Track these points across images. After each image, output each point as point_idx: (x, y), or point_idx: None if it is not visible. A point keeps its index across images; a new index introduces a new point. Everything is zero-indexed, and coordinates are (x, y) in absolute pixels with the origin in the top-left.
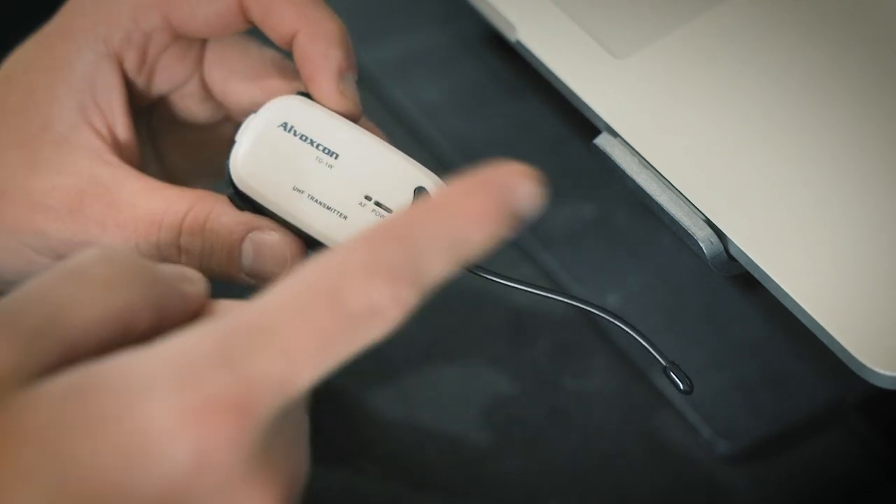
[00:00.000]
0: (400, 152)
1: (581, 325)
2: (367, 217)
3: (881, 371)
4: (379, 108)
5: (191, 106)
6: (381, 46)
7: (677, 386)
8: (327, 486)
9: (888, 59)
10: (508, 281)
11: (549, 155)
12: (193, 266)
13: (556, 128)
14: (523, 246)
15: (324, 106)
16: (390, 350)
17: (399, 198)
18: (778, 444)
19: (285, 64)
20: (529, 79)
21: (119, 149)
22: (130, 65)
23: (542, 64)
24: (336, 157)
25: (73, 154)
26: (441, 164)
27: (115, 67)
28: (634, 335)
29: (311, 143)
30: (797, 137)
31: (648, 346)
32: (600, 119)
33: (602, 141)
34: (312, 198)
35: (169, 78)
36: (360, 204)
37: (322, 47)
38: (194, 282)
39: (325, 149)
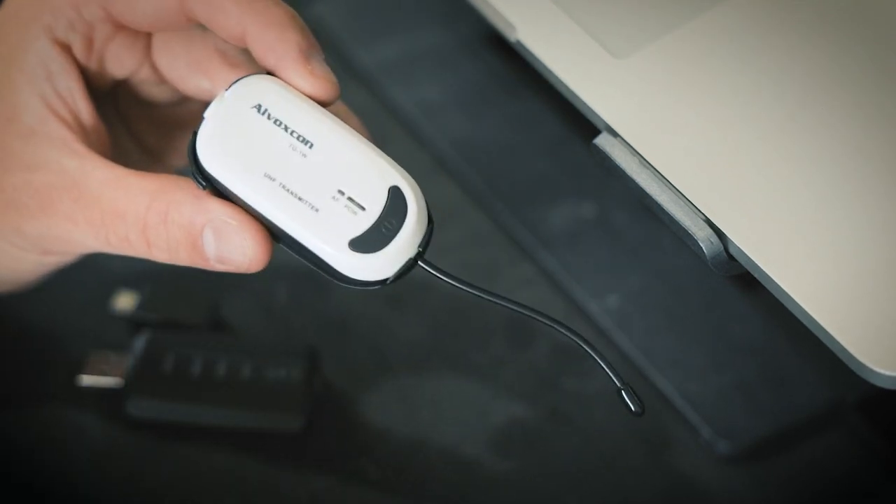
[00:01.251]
0: (375, 148)
1: (581, 326)
2: (339, 212)
3: (881, 371)
4: (379, 108)
5: (149, 89)
6: (381, 46)
7: (629, 408)
8: (327, 486)
9: (888, 59)
10: (474, 290)
11: (549, 155)
12: (163, 257)
13: (556, 128)
14: (523, 245)
15: (299, 91)
16: (390, 350)
17: (373, 195)
18: (778, 444)
19: (229, 50)
20: (529, 79)
21: (86, 134)
22: (79, 51)
23: (541, 64)
24: (311, 147)
25: (42, 146)
26: (441, 164)
27: (65, 55)
28: (592, 354)
29: (286, 128)
30: (797, 137)
31: (604, 366)
32: (600, 119)
33: (602, 141)
34: (284, 187)
35: (120, 66)
36: (333, 198)
37: (276, 34)
38: None
39: (299, 136)
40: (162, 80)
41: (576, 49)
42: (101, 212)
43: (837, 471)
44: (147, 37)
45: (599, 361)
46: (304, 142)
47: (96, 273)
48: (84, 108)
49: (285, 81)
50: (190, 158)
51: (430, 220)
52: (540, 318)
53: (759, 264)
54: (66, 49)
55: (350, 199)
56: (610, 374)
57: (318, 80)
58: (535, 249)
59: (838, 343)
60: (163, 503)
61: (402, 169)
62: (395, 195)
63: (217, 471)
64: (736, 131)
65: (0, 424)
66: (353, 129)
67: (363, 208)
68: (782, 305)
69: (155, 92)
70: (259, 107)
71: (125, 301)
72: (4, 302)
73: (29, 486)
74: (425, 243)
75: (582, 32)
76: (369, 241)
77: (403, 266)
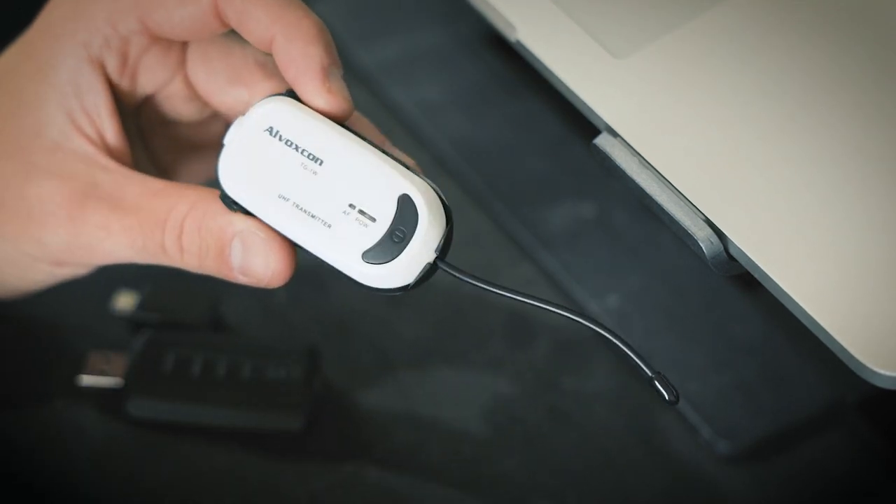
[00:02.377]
0: (386, 157)
1: (581, 326)
2: (350, 226)
3: (881, 371)
4: (379, 108)
5: (177, 105)
6: (381, 46)
7: (662, 396)
8: (327, 486)
9: (888, 59)
10: (499, 290)
11: (549, 155)
12: (193, 264)
13: (556, 128)
14: (523, 245)
15: (314, 107)
16: (390, 350)
17: (383, 206)
18: (778, 444)
19: (269, 62)
20: (529, 79)
21: (110, 152)
22: (112, 68)
23: (542, 64)
24: (321, 164)
25: (68, 159)
26: (441, 164)
27: (97, 72)
28: (620, 345)
29: (297, 148)
30: (797, 137)
31: (634, 356)
32: (600, 119)
33: (602, 141)
34: (297, 206)
35: (152, 79)
36: (344, 212)
37: (301, 48)
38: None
39: (309, 154)
40: (193, 95)
41: (576, 49)
42: (140, 220)
43: (837, 471)
44: (180, 49)
45: (628, 352)
46: (315, 160)
47: (96, 273)
48: (109, 127)
49: (301, 96)
50: (217, 182)
51: (449, 222)
52: (566, 314)
53: (759, 264)
54: (99, 66)
55: (361, 211)
56: (640, 363)
57: (334, 98)
58: (535, 249)
59: (838, 343)
60: (163, 503)
61: (415, 176)
62: (405, 203)
63: (217, 471)
64: (736, 131)
65: (0, 424)
66: (365, 131)
67: (374, 220)
68: (782, 305)
69: (181, 109)
70: (271, 129)
71: (125, 301)
72: (5, 302)
73: (29, 486)
74: (443, 247)
75: (582, 32)
76: (381, 252)
77: (422, 272)
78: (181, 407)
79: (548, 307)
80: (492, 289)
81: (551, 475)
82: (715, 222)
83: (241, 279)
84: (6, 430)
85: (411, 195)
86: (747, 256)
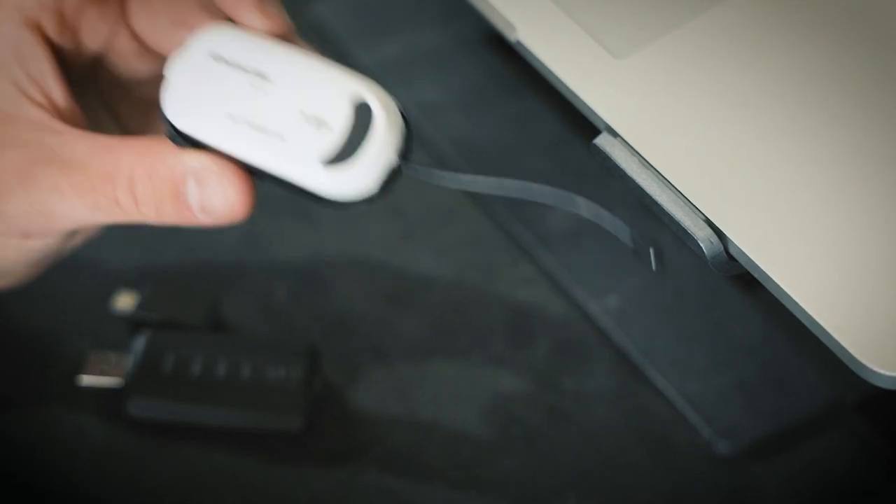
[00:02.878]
0: (335, 64)
1: (581, 325)
2: (306, 135)
3: (881, 371)
4: None
5: (130, 63)
6: (381, 46)
7: (649, 266)
8: (327, 486)
9: (888, 59)
10: (468, 182)
11: (549, 155)
12: (151, 215)
13: (556, 128)
14: (523, 245)
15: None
16: (390, 349)
17: (337, 111)
18: (778, 444)
19: (211, 3)
20: (529, 79)
21: (61, 115)
22: (51, 30)
23: (541, 64)
24: (268, 80)
25: (18, 127)
26: (441, 164)
27: (36, 36)
28: (596, 220)
29: (242, 68)
30: (797, 137)
31: (610, 229)
32: (600, 119)
33: (602, 141)
34: (249, 124)
35: (94, 36)
36: (298, 123)
37: None
38: None
39: (256, 72)
40: (143, 49)
41: (576, 49)
42: (89, 177)
43: (837, 471)
44: (118, 1)
45: (605, 226)
46: (262, 76)
47: (96, 273)
48: (57, 90)
49: (240, 23)
50: (162, 120)
51: (408, 126)
52: (538, 194)
53: (759, 264)
54: (38, 29)
55: (316, 119)
56: (618, 237)
57: (271, 21)
58: (535, 249)
59: (838, 343)
60: (163, 503)
61: (366, 79)
62: (360, 107)
63: (217, 471)
64: (736, 131)
65: (0, 424)
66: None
67: (329, 126)
68: (782, 305)
69: (136, 66)
70: (214, 53)
71: (125, 301)
72: (4, 302)
73: (29, 486)
74: (405, 150)
75: (582, 32)
76: (342, 157)
77: (387, 176)
78: (181, 407)
79: (518, 195)
80: (461, 184)
81: (551, 475)
82: (715, 222)
83: (203, 219)
84: (6, 430)
85: (365, 97)
86: (747, 256)
